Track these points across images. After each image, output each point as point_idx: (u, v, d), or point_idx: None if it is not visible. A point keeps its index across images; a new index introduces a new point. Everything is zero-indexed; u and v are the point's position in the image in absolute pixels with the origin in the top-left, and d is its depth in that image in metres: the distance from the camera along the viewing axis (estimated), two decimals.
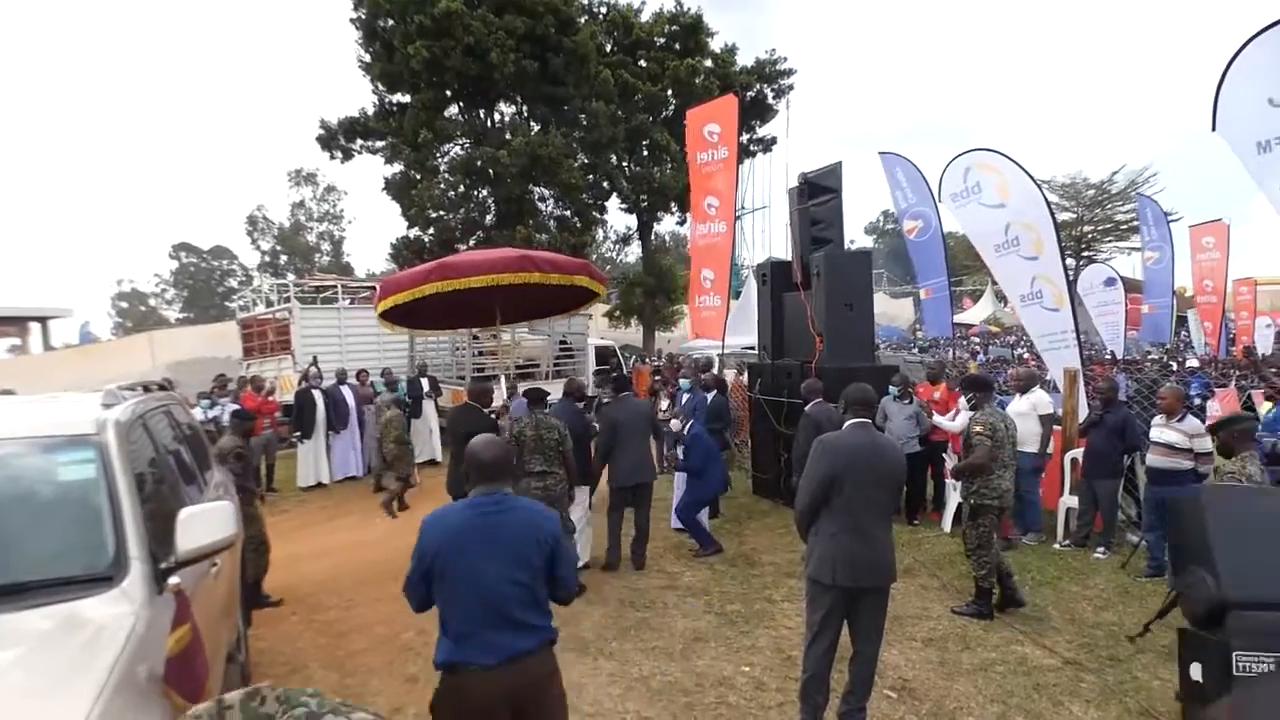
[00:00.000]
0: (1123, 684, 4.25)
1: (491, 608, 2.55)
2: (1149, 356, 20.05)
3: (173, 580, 2.26)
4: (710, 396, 8.48)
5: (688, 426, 7.16)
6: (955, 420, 7.39)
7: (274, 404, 10.74)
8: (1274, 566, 3.19)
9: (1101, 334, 16.84)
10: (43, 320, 34.79)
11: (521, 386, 7.73)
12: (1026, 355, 21.46)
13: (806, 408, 6.85)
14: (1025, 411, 7.11)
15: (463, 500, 2.76)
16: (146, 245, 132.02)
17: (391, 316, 7.38)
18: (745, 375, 11.12)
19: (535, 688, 2.63)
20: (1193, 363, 16.28)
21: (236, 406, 10.12)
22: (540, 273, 6.52)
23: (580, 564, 6.67)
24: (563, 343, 14.73)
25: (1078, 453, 7.22)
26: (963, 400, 7.07)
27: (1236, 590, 3.17)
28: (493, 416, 6.36)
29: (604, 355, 16.64)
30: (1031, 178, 8.57)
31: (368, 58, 22.93)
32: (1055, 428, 7.44)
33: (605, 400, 7.33)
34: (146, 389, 3.91)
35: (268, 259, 61.25)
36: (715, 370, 10.37)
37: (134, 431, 3.00)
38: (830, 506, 3.61)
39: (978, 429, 5.36)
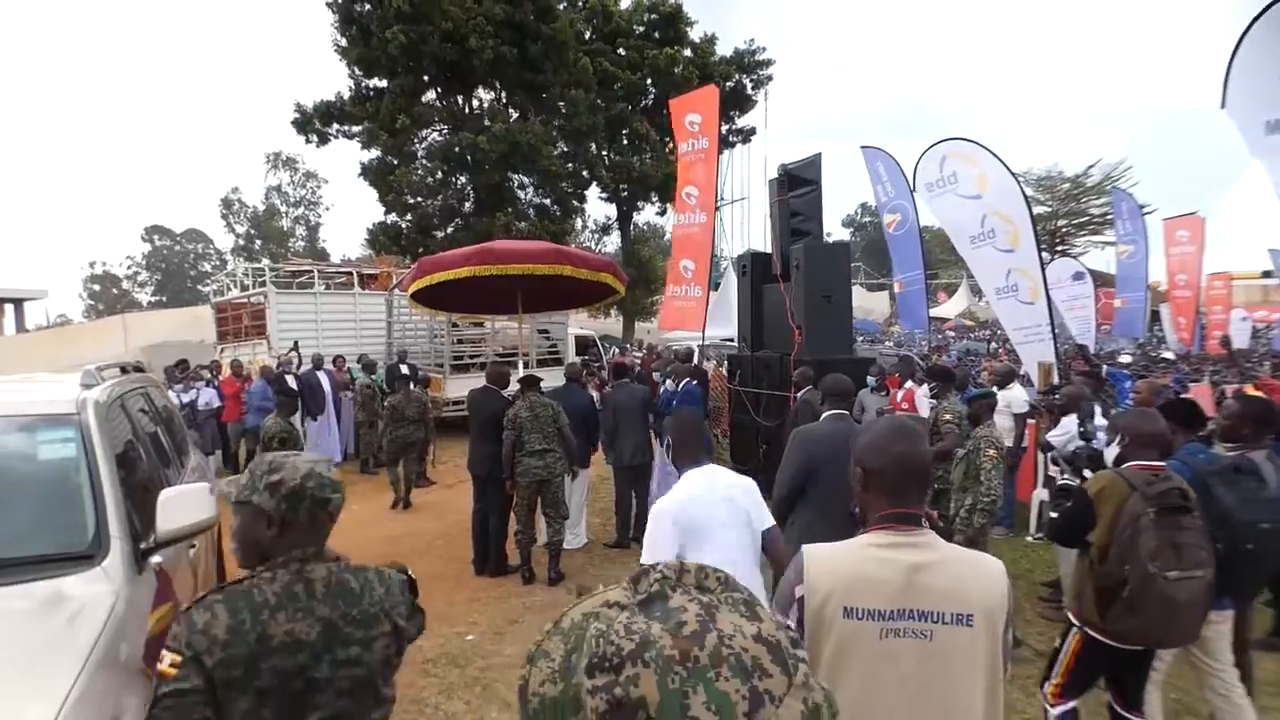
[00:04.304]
0: None
1: None
2: (1121, 353, 20.16)
3: (154, 559, 2.26)
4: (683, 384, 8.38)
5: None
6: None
7: None
8: None
9: (1071, 329, 16.85)
10: (16, 302, 34.02)
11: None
12: (1001, 350, 21.55)
13: (799, 394, 6.83)
14: (1000, 408, 7.19)
15: None
16: (119, 227, 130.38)
17: (420, 297, 7.65)
18: (725, 366, 11.14)
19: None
20: (1168, 354, 16.44)
21: (214, 390, 10.03)
22: (572, 266, 7.13)
23: (580, 544, 6.82)
24: (544, 332, 14.65)
25: None
26: (924, 389, 7.18)
27: None
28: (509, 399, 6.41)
29: (584, 345, 16.61)
30: (1009, 169, 8.54)
31: (344, 42, 22.56)
32: (1029, 421, 7.51)
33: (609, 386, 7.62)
34: (124, 370, 3.87)
35: (242, 243, 60.47)
36: (695, 360, 10.35)
37: (113, 412, 2.98)
38: (806, 497, 3.63)
39: (947, 416, 5.47)
